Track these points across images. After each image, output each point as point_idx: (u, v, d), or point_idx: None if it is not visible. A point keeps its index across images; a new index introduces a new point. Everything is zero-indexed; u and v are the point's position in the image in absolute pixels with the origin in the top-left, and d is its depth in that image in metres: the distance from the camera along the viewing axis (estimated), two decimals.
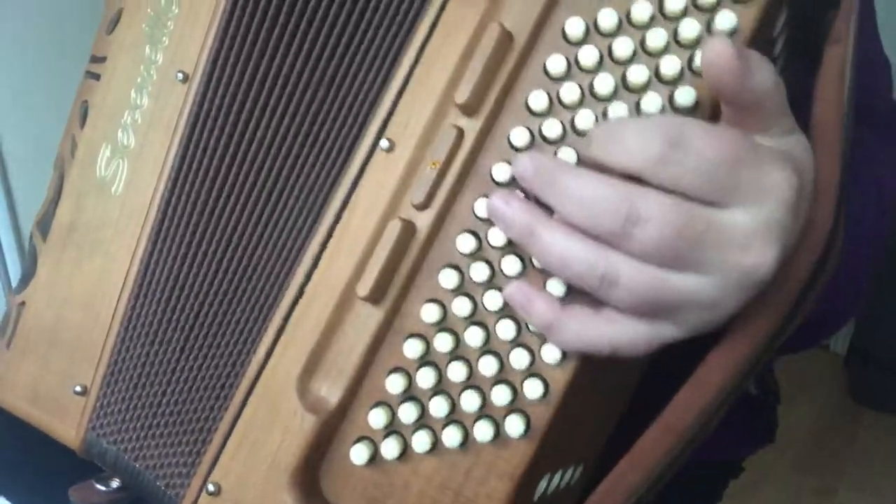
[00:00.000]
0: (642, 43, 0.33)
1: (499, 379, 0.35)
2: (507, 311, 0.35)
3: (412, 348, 0.36)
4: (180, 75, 0.46)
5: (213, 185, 0.44)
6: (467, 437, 0.36)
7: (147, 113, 0.47)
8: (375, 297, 0.36)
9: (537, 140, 0.35)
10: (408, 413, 0.36)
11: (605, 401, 0.43)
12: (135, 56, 0.48)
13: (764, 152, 0.29)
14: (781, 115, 0.32)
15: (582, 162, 0.33)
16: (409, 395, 0.36)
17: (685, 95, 0.32)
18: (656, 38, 0.32)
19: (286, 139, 0.42)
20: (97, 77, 0.50)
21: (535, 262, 0.34)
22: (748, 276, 0.30)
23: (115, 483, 0.47)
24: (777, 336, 0.34)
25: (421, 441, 0.36)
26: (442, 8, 0.36)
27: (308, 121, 0.41)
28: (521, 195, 0.34)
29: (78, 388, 0.47)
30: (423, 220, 0.36)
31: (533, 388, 0.34)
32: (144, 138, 0.47)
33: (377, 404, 0.37)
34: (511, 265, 0.34)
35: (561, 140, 0.34)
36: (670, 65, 0.32)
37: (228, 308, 0.43)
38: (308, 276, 0.39)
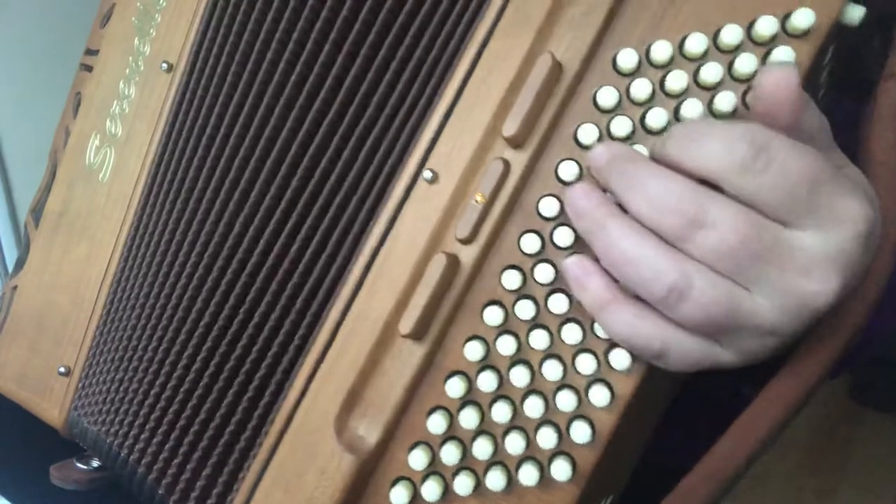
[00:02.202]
0: (696, 76, 0.31)
1: (545, 420, 0.34)
2: (553, 350, 0.34)
3: (454, 387, 0.34)
4: (165, 65, 0.47)
5: (196, 174, 0.44)
6: (511, 480, 0.34)
7: (134, 103, 0.49)
8: (418, 334, 0.35)
9: (585, 173, 0.33)
10: (449, 454, 0.34)
11: (639, 433, 0.42)
12: (124, 48, 0.50)
13: (843, 180, 0.28)
14: (830, 149, 0.31)
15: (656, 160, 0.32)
16: (451, 435, 0.35)
17: None
18: (711, 72, 0.31)
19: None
20: (90, 69, 0.52)
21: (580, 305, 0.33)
22: (806, 303, 0.28)
23: (95, 462, 0.47)
24: (828, 376, 0.32)
25: (463, 483, 0.34)
26: (488, 37, 0.35)
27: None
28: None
29: (62, 369, 0.48)
30: (468, 255, 0.35)
31: (580, 432, 0.32)
32: (131, 127, 0.49)
33: (417, 444, 0.35)
34: (558, 303, 0.33)
35: None
36: (725, 100, 0.30)
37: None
38: (345, 309, 0.37)
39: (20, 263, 0.53)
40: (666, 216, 0.28)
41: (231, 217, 0.43)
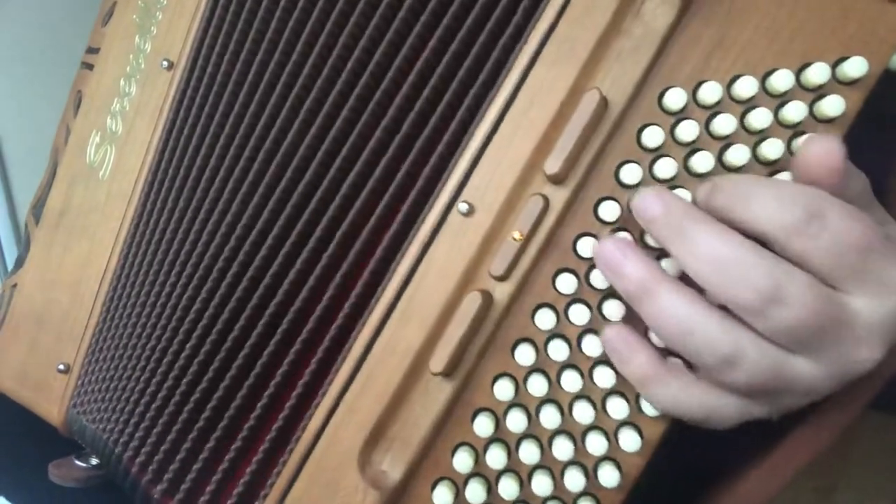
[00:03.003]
0: (743, 120, 0.31)
1: (573, 462, 0.33)
2: (584, 392, 0.33)
3: (482, 425, 0.34)
4: (165, 63, 0.47)
5: (197, 173, 0.44)
6: None
7: (135, 101, 0.49)
8: (449, 372, 0.34)
9: (626, 214, 0.32)
10: (475, 493, 0.34)
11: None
12: (125, 46, 0.50)
13: (892, 246, 0.28)
14: (872, 206, 0.31)
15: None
16: (477, 473, 0.35)
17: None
18: (759, 118, 0.30)
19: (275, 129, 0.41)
20: (91, 67, 0.52)
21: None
22: (853, 369, 0.28)
23: (94, 460, 0.47)
24: (856, 420, 0.33)
25: None
26: (530, 66, 0.34)
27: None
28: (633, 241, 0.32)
29: (61, 367, 0.48)
30: (501, 292, 0.34)
31: (608, 475, 0.32)
32: (131, 125, 0.49)
33: (441, 480, 0.35)
34: (591, 345, 0.33)
35: None
36: (772, 148, 0.30)
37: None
38: (372, 339, 0.36)
39: (20, 261, 0.53)
40: (739, 289, 0.27)
41: (234, 218, 0.42)
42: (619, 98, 0.32)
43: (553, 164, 0.32)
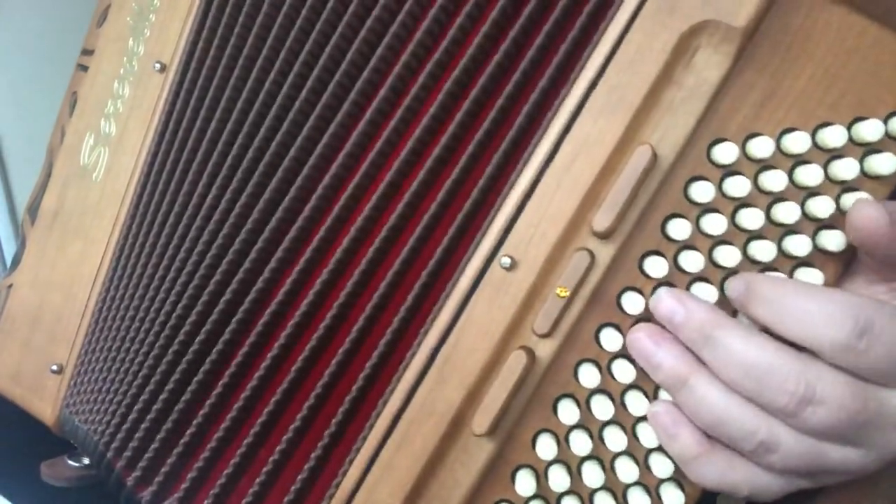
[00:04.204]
0: (792, 175, 0.30)
1: None
2: (629, 449, 0.32)
3: (523, 483, 0.33)
4: (158, 65, 0.48)
5: (187, 176, 0.44)
6: None
7: (128, 102, 0.49)
8: (491, 432, 0.33)
9: (671, 269, 0.32)
10: None
11: None
12: (119, 48, 0.50)
13: None
14: None
15: (724, 303, 0.31)
16: None
17: (834, 240, 0.30)
18: (810, 175, 0.30)
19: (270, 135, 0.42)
20: (86, 69, 0.52)
21: (660, 397, 0.32)
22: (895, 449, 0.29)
23: (86, 460, 0.48)
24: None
25: None
26: (575, 115, 0.32)
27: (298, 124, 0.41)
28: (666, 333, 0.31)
29: (54, 367, 0.48)
30: (544, 349, 0.33)
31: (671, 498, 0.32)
32: (124, 127, 0.49)
33: None
34: (637, 403, 0.32)
35: (699, 274, 0.31)
36: (822, 206, 0.29)
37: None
38: (407, 399, 0.35)
39: (16, 262, 0.53)
40: (771, 392, 0.27)
41: (222, 215, 0.43)
42: (669, 152, 0.31)
43: (603, 221, 0.31)
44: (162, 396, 0.42)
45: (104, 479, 0.45)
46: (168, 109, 0.47)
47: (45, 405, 0.49)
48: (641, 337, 0.31)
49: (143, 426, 0.43)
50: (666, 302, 0.30)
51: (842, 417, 0.27)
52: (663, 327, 0.31)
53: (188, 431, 0.41)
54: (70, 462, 0.47)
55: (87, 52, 0.53)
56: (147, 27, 0.49)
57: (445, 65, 0.37)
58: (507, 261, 0.33)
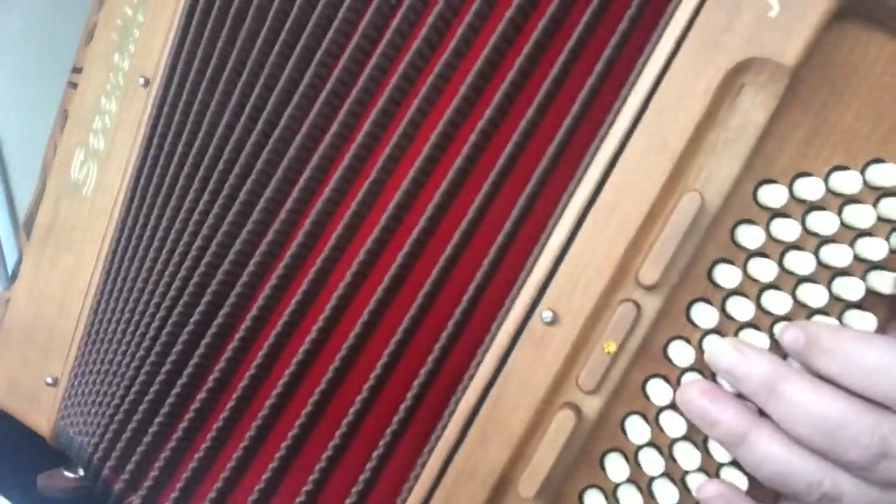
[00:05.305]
0: (841, 215, 0.29)
1: None
2: (681, 502, 0.31)
3: None
4: (142, 80, 0.48)
5: (173, 190, 0.45)
6: None
7: (115, 118, 0.50)
8: (540, 496, 0.32)
9: (720, 317, 0.30)
10: None
11: None
12: (106, 64, 0.51)
13: None
14: None
15: (775, 351, 0.30)
16: None
17: (887, 282, 0.29)
18: (863, 217, 0.28)
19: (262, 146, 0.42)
20: (75, 86, 0.53)
21: (713, 453, 0.31)
22: None
23: (81, 471, 0.48)
24: None
25: None
26: (615, 157, 0.31)
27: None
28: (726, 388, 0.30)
29: (49, 380, 0.49)
30: (591, 406, 0.32)
31: None
32: (112, 142, 0.50)
33: None
34: (688, 457, 0.31)
35: (748, 321, 0.30)
36: (874, 247, 0.28)
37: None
38: (448, 460, 0.34)
39: (14, 276, 0.54)
40: (846, 448, 0.27)
41: (209, 231, 0.43)
42: (715, 195, 0.30)
43: (651, 273, 0.30)
44: (145, 406, 0.43)
45: (98, 489, 0.46)
46: (152, 123, 0.47)
47: (41, 418, 0.50)
48: (695, 396, 0.30)
49: (126, 435, 0.43)
50: (727, 354, 0.29)
51: None
52: (714, 379, 0.30)
53: (174, 437, 0.42)
54: (66, 473, 0.48)
55: (77, 70, 0.54)
56: (132, 42, 0.50)
57: (456, 66, 0.36)
58: (549, 315, 0.31)
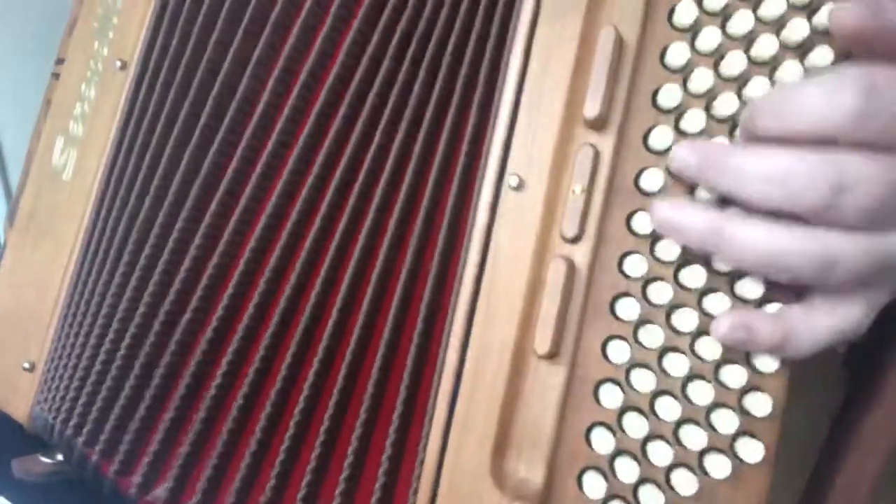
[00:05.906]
0: (757, 13, 0.30)
1: (716, 404, 0.30)
2: (703, 326, 0.31)
3: (609, 396, 0.32)
4: (119, 63, 0.49)
5: (148, 170, 0.45)
6: (698, 479, 0.31)
7: (94, 103, 0.50)
8: (554, 351, 0.32)
9: (675, 139, 0.31)
10: (626, 470, 0.31)
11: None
12: (86, 52, 0.52)
13: None
14: None
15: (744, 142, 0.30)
16: (621, 449, 0.31)
17: (822, 56, 0.29)
18: (773, 6, 0.30)
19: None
20: (58, 76, 0.54)
21: (717, 266, 0.31)
22: None
23: (59, 456, 0.48)
24: None
25: (651, 498, 0.31)
26: (532, 28, 0.34)
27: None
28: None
29: (26, 365, 0.49)
30: (581, 254, 0.32)
31: (757, 405, 0.30)
32: (90, 126, 0.50)
33: (587, 470, 0.32)
34: (693, 277, 0.31)
35: (702, 133, 0.31)
36: (797, 30, 0.29)
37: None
38: (463, 350, 0.34)
39: None
40: (801, 194, 0.26)
41: (188, 212, 0.43)
42: (632, 29, 0.32)
43: (592, 107, 0.32)
44: (114, 374, 0.43)
45: (78, 469, 0.45)
46: (129, 107, 0.48)
47: (19, 403, 0.49)
48: (663, 210, 0.30)
49: (97, 406, 0.43)
50: (681, 152, 0.29)
51: (880, 194, 0.25)
52: (691, 192, 0.31)
53: (143, 407, 0.42)
54: (42, 459, 0.47)
55: (60, 62, 0.54)
56: (111, 29, 0.51)
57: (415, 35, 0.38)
58: (514, 180, 0.33)
